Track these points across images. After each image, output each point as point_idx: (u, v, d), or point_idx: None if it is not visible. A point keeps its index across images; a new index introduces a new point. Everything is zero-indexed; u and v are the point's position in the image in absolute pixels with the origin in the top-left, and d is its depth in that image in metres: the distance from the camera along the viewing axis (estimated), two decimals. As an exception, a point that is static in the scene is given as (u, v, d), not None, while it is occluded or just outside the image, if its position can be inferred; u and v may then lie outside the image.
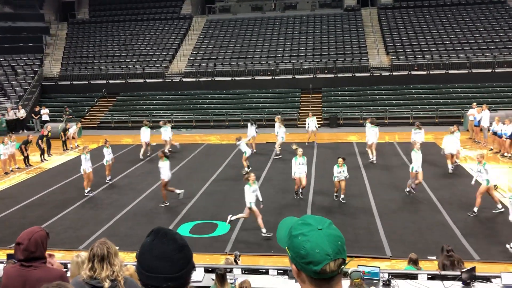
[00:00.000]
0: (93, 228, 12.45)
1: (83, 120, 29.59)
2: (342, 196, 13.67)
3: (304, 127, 22.65)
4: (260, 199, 11.70)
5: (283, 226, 1.70)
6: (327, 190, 14.87)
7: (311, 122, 21.82)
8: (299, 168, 13.87)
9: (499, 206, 12.35)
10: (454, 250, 8.31)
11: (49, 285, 2.34)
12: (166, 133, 20.78)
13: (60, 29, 39.10)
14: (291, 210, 13.36)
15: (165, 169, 13.87)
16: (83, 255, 4.00)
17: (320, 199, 14.15)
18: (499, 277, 7.05)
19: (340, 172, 13.41)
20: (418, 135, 17.83)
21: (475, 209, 12.25)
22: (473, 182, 12.87)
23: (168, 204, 14.08)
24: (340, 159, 13.45)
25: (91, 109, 31.49)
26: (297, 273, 1.59)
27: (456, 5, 35.36)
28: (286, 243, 1.62)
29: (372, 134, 18.25)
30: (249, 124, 20.87)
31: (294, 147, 14.60)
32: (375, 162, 18.19)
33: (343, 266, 1.56)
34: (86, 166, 15.13)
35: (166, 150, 19.43)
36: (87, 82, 32.76)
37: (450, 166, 16.53)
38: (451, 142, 16.41)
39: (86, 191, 15.34)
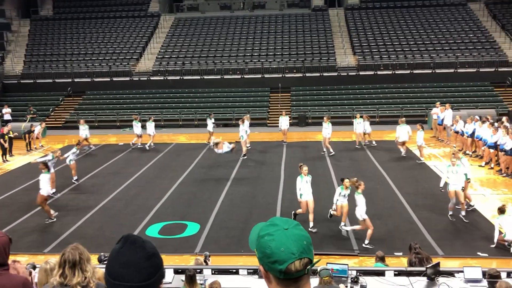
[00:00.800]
0: (58, 230, 12.15)
1: (47, 119, 28.80)
2: (343, 223, 11.48)
3: (274, 126, 22.81)
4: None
5: (255, 230, 1.72)
6: (295, 189, 14.99)
7: (284, 121, 21.99)
8: (305, 188, 11.65)
9: (472, 203, 12.74)
10: (420, 246, 8.54)
11: None
12: (150, 128, 21.67)
13: (22, 25, 37.91)
14: (259, 214, 13.40)
15: (44, 183, 12.54)
16: (52, 261, 3.88)
17: (290, 197, 14.23)
18: (462, 271, 7.29)
19: (345, 195, 11.36)
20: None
21: (471, 203, 12.71)
22: (441, 185, 12.69)
23: (54, 220, 12.76)
24: (346, 180, 11.23)
25: (56, 108, 30.69)
26: (265, 273, 1.62)
27: (420, 6, 36.26)
28: (255, 244, 1.65)
29: (326, 130, 19.33)
30: (207, 119, 21.57)
31: (300, 165, 12.03)
32: (326, 153, 19.35)
33: (309, 266, 1.58)
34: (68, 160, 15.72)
35: (147, 146, 21.64)
36: (51, 81, 31.90)
37: (402, 151, 18.81)
38: (403, 131, 18.42)
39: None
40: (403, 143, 18.79)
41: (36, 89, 31.88)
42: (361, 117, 20.94)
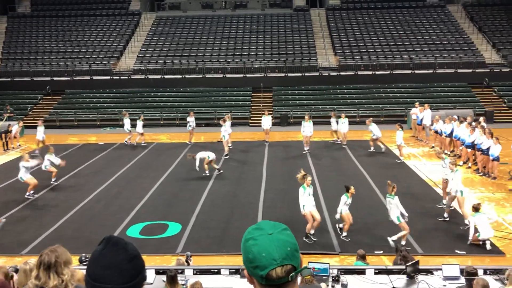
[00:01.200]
0: (36, 232, 11.94)
1: (25, 118, 28.28)
2: (345, 234, 11.12)
3: (256, 126, 22.85)
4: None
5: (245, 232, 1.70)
6: (278, 188, 15.07)
7: (266, 121, 22.03)
8: (308, 200, 10.97)
9: (445, 201, 12.94)
10: (407, 249, 8.69)
11: None
12: (139, 126, 21.88)
13: (-1, 22, 37.17)
14: (241, 214, 13.41)
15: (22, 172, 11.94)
16: (32, 262, 3.83)
17: (271, 197, 14.28)
18: (441, 269, 7.42)
19: (349, 204, 10.89)
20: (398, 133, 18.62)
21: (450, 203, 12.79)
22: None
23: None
24: (352, 188, 10.90)
25: (34, 107, 30.16)
26: (248, 278, 1.59)
27: (400, 8, 36.73)
28: (242, 247, 1.62)
29: (307, 129, 19.74)
30: (188, 118, 22.19)
31: (301, 175, 11.14)
32: (308, 151, 19.64)
33: (293, 274, 1.53)
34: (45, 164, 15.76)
35: (135, 143, 22.17)
36: (29, 79, 31.32)
37: (372, 148, 19.93)
38: (377, 129, 19.69)
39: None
40: (376, 139, 19.73)
41: (13, 88, 31.25)
42: (346, 117, 21.18)
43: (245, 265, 1.58)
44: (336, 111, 26.87)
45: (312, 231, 11.00)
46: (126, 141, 22.42)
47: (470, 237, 10.54)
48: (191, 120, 22.21)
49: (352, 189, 10.79)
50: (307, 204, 10.86)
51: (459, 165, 17.65)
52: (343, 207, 10.79)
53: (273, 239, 1.54)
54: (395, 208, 10.43)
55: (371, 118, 20.58)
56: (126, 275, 1.72)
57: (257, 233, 1.57)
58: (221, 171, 16.98)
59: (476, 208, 10.52)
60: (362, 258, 8.41)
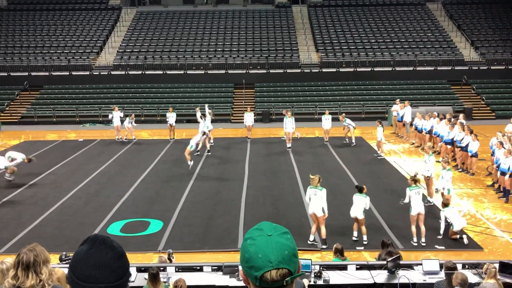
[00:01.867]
0: (14, 230, 11.70)
1: (2, 114, 27.70)
2: (358, 236, 10.90)
3: (238, 122, 22.78)
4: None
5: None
6: (261, 185, 15.09)
7: (249, 117, 21.96)
8: (313, 200, 10.36)
9: (431, 200, 13.13)
10: (380, 240, 8.74)
11: None
12: (126, 122, 21.83)
13: (-26, 16, 36.24)
14: (223, 211, 13.39)
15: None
16: (8, 261, 3.75)
17: (253, 193, 14.27)
18: (421, 264, 7.52)
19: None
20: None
21: (431, 200, 13.13)
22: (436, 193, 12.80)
23: None
24: (364, 187, 10.83)
25: (12, 103, 29.52)
26: (244, 277, 1.57)
27: (381, 5, 37.05)
28: (241, 246, 1.60)
29: (289, 125, 19.78)
30: (167, 113, 22.28)
31: (312, 176, 10.56)
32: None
33: (288, 278, 1.50)
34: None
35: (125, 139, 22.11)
36: (6, 74, 30.64)
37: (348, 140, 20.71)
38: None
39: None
40: (327, 132, 21.04)
41: (-11, 83, 30.56)
42: (329, 113, 21.26)
43: (241, 264, 1.56)
44: (318, 108, 27.06)
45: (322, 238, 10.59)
46: (123, 138, 22.18)
47: (441, 231, 10.82)
48: (170, 116, 22.01)
49: (365, 189, 10.72)
50: (311, 205, 10.43)
51: (438, 161, 17.93)
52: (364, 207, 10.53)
53: (272, 241, 1.52)
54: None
55: (344, 114, 21.28)
56: (116, 273, 1.72)
57: (256, 233, 1.56)
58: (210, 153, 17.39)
59: (445, 204, 10.87)
60: (340, 252, 8.42)
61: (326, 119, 21.03)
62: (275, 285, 1.50)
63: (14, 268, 3.11)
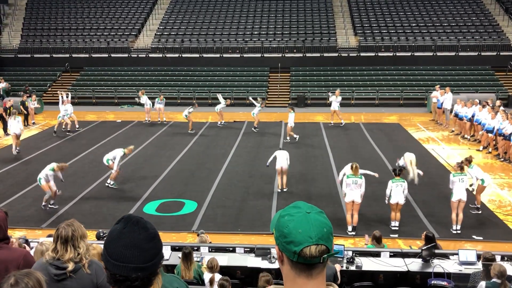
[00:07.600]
0: (56, 206, 12.15)
1: (45, 95, 28.61)
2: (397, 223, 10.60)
3: (273, 107, 22.67)
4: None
5: (278, 212, 1.68)
6: (292, 171, 15.05)
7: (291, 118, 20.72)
8: (350, 188, 10.25)
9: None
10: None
11: (17, 274, 2.24)
12: (158, 104, 22.62)
13: (19, -2, 37.33)
14: (256, 194, 13.44)
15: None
16: (47, 242, 3.91)
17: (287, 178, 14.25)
18: (457, 254, 7.35)
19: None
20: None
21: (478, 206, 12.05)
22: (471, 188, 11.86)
23: None
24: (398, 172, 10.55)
25: (53, 84, 30.45)
26: (279, 254, 1.59)
27: (423, -13, 35.74)
28: (274, 224, 1.61)
29: (290, 119, 18.24)
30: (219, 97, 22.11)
31: (355, 165, 10.40)
32: (288, 140, 18.43)
33: (325, 256, 1.53)
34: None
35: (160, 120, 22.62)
36: (48, 56, 31.58)
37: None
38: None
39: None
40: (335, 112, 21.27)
41: (33, 64, 31.56)
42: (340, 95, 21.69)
43: (277, 241, 1.58)
44: (355, 93, 26.63)
45: (350, 223, 10.52)
46: (161, 120, 22.70)
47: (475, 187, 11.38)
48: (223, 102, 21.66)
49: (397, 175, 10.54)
50: (347, 193, 10.34)
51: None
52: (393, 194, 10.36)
53: (311, 218, 1.55)
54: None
55: (339, 90, 22.02)
56: (147, 254, 1.73)
57: (294, 210, 1.59)
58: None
59: (469, 161, 11.25)
60: (378, 240, 8.31)
61: (337, 101, 21.23)
62: (313, 261, 1.52)
63: (54, 242, 3.24)
